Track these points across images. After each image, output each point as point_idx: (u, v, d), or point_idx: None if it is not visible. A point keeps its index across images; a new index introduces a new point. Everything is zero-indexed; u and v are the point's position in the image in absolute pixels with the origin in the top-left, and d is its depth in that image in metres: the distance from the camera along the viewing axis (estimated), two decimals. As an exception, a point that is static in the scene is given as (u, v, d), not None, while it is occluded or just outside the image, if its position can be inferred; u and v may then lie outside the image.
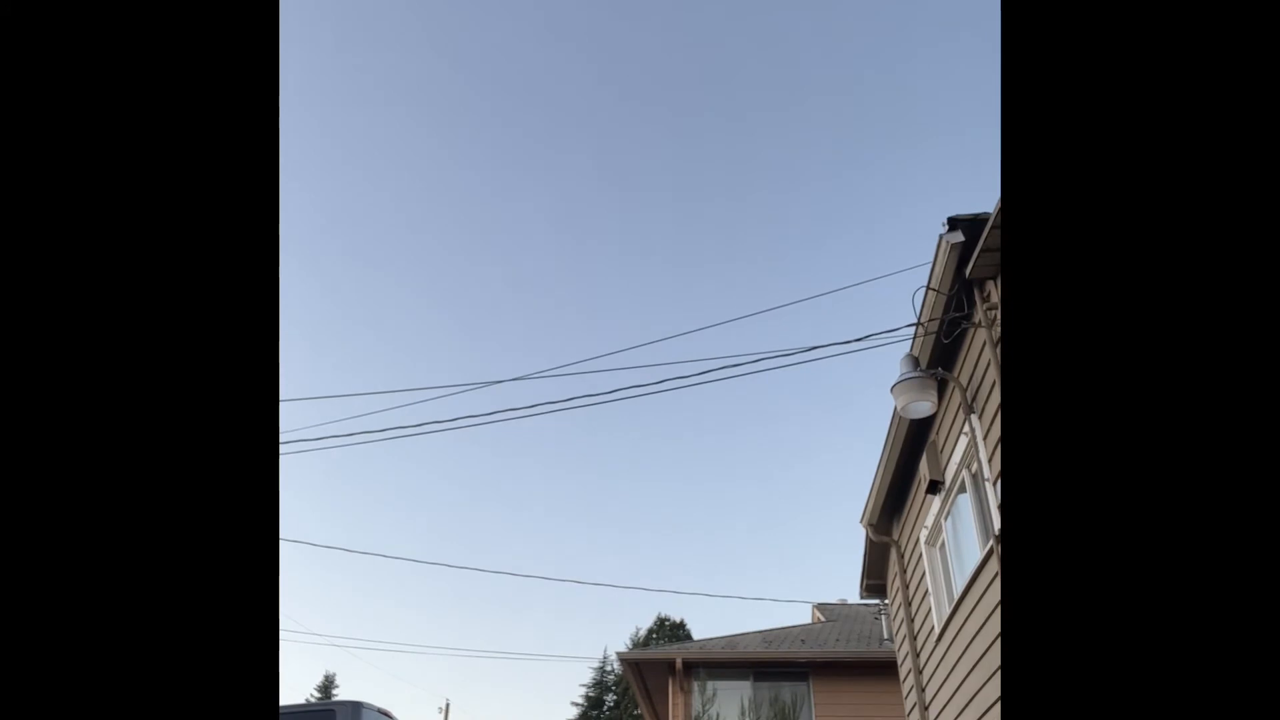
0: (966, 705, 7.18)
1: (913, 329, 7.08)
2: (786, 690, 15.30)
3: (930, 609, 8.48)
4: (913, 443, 8.26)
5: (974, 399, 6.58)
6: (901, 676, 10.11)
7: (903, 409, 7.05)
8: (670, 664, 15.61)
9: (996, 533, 6.26)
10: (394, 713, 10.78)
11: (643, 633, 46.03)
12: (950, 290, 6.48)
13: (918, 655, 9.14)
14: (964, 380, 6.77)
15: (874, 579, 11.05)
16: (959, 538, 7.69)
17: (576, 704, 47.57)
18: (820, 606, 21.23)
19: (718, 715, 15.25)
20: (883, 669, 13.73)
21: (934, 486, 7.57)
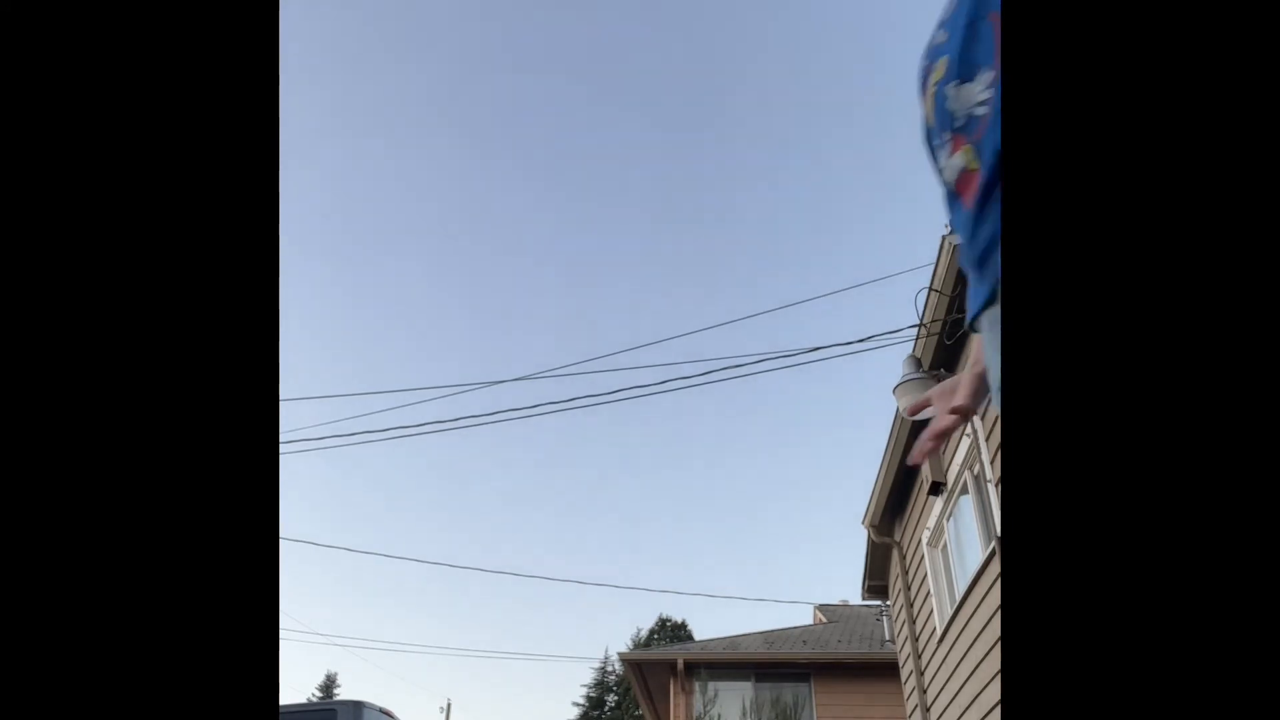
0: (968, 707, 7.17)
1: (915, 330, 7.08)
2: (788, 691, 15.29)
3: (932, 610, 8.47)
4: (915, 444, 8.24)
5: (976, 400, 6.56)
6: (903, 678, 10.10)
7: (905, 410, 7.04)
8: (672, 664, 15.61)
9: (999, 534, 6.25)
10: (395, 712, 10.78)
11: (644, 633, 46.00)
12: (953, 291, 6.48)
13: (919, 657, 9.12)
14: (966, 381, 6.76)
15: (876, 580, 11.04)
16: (961, 539, 7.68)
17: (578, 704, 47.55)
18: (822, 607, 21.22)
19: (719, 716, 15.24)
20: (884, 670, 13.72)
21: (936, 488, 7.56)
